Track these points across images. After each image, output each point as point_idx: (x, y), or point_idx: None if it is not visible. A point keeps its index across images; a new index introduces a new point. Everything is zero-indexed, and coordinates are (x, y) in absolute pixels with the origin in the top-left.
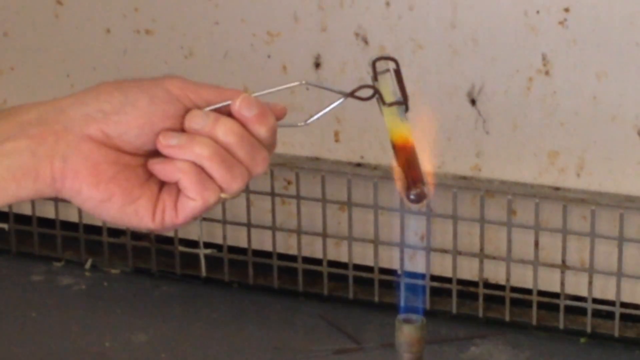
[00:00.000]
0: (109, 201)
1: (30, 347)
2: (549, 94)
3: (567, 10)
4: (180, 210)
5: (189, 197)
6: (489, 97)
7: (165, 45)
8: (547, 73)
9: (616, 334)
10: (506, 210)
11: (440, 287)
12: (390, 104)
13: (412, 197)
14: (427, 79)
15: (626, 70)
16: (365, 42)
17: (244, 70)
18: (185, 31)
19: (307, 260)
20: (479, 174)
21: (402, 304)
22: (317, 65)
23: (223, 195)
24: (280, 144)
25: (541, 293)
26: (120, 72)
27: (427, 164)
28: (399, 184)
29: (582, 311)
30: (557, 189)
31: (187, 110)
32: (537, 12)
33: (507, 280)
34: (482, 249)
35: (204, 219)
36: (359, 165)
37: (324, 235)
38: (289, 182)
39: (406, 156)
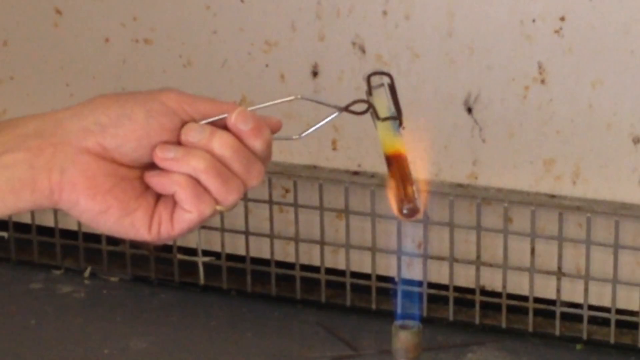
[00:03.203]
0: (105, 213)
1: (29, 355)
2: (544, 102)
3: (562, 19)
4: (176, 222)
5: (184, 210)
6: (485, 106)
7: (164, 54)
8: (542, 81)
9: (612, 340)
10: (502, 218)
11: (437, 294)
12: (385, 119)
13: (404, 211)
14: (424, 88)
15: (621, 79)
16: (363, 50)
17: (242, 79)
18: (184, 40)
19: (305, 267)
20: (475, 181)
21: (399, 311)
22: (315, 74)
23: (218, 208)
24: (278, 152)
25: (537, 300)
26: (119, 81)
27: (421, 176)
28: (391, 198)
29: (578, 318)
30: (553, 196)
31: (184, 123)
32: (533, 20)
33: (504, 287)
34: (478, 257)
35: (202, 227)
36: (356, 173)
37: (322, 242)
38: (287, 190)
39: (399, 171)
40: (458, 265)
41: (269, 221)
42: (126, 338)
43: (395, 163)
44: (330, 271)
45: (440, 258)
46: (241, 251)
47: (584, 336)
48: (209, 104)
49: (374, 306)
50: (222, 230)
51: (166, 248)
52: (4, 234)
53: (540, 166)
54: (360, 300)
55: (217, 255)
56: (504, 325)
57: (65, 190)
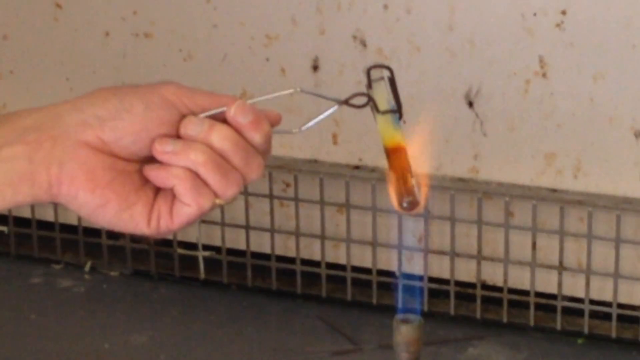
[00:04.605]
0: (104, 207)
1: (29, 349)
2: (546, 96)
3: (563, 12)
4: (175, 216)
5: (184, 203)
6: (486, 99)
7: (164, 48)
8: (544, 75)
9: (613, 334)
10: (504, 212)
11: (438, 288)
12: (384, 112)
13: (404, 204)
14: (425, 82)
15: (623, 72)
16: (363, 44)
17: (243, 73)
18: (184, 34)
19: (306, 262)
20: (476, 175)
21: (400, 305)
22: (315, 67)
23: (218, 201)
24: (278, 146)
25: (538, 294)
26: (120, 75)
27: (422, 169)
28: (391, 191)
29: (580, 312)
30: (554, 190)
31: (183, 117)
32: (534, 14)
33: (505, 281)
34: (479, 251)
35: (203, 222)
36: (357, 167)
37: (322, 237)
38: (288, 185)
39: (399, 164)
40: (459, 260)
41: (269, 215)
42: (126, 332)
43: (395, 156)
44: (331, 265)
45: (441, 252)
46: (242, 245)
47: (586, 330)
48: (208, 97)
49: (374, 300)
50: (223, 224)
51: (166, 242)
52: (4, 228)
53: (541, 160)
54: (361, 294)
55: (217, 249)
56: (505, 319)
57: (64, 183)
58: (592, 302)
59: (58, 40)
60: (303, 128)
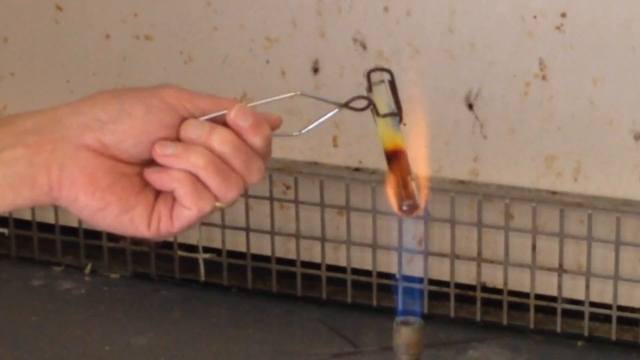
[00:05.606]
0: (105, 210)
1: (30, 352)
2: (546, 98)
3: (563, 15)
4: (175, 219)
5: (184, 206)
6: (486, 102)
7: (164, 51)
8: (544, 78)
9: (613, 337)
10: (504, 214)
11: (438, 291)
12: (384, 115)
13: (404, 208)
14: (425, 84)
15: (623, 75)
16: (363, 47)
17: (243, 75)
18: (185, 36)
19: (306, 264)
20: (476, 178)
21: (400, 307)
22: (316, 70)
23: (218, 205)
24: (278, 148)
25: (538, 297)
26: (120, 77)
27: (422, 172)
28: (391, 195)
29: (580, 314)
30: (555, 193)
31: (183, 120)
32: (534, 17)
33: (505, 284)
34: (479, 253)
35: (203, 224)
36: (357, 169)
37: (323, 239)
38: (288, 187)
39: (399, 167)
40: (459, 262)
41: (269, 218)
42: (127, 335)
43: (395, 159)
44: (331, 268)
45: (441, 255)
46: (242, 248)
47: (585, 333)
48: (208, 100)
49: (375, 303)
50: (223, 226)
51: (167, 244)
52: (5, 231)
53: (541, 162)
54: (361, 296)
55: (217, 251)
56: (505, 322)
57: (65, 186)
58: (592, 304)
59: (59, 43)
60: (303, 131)
